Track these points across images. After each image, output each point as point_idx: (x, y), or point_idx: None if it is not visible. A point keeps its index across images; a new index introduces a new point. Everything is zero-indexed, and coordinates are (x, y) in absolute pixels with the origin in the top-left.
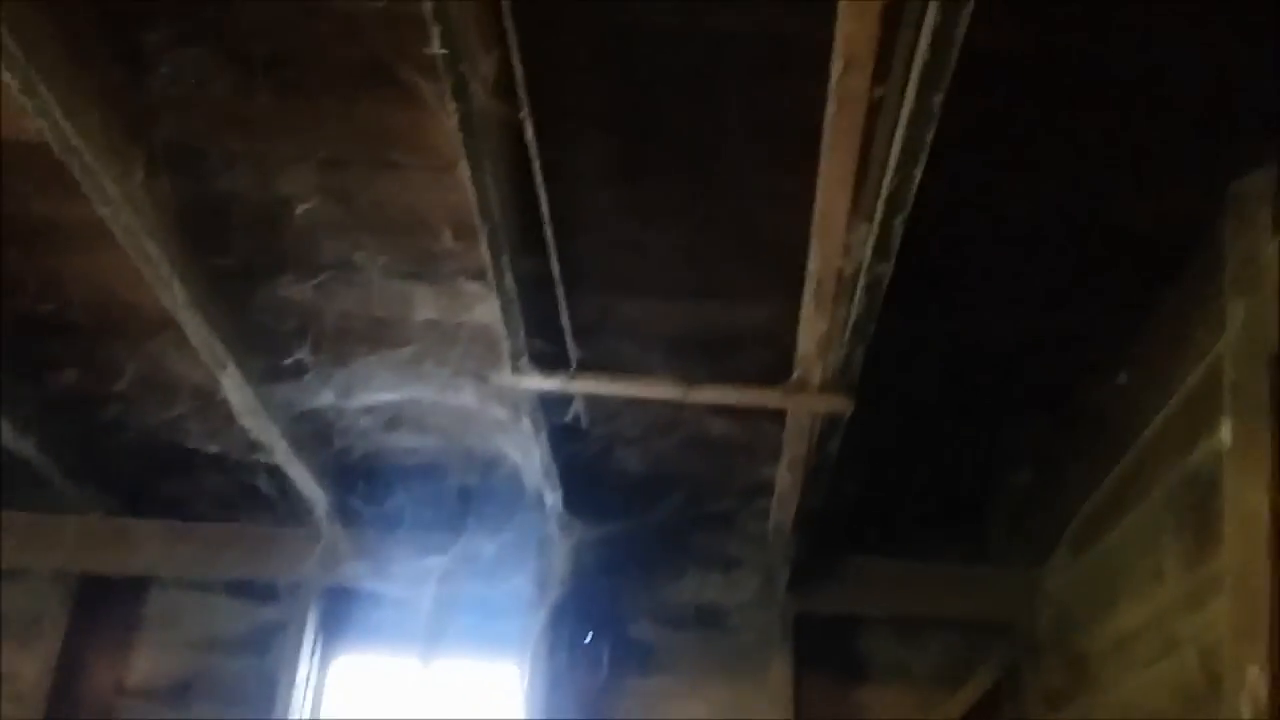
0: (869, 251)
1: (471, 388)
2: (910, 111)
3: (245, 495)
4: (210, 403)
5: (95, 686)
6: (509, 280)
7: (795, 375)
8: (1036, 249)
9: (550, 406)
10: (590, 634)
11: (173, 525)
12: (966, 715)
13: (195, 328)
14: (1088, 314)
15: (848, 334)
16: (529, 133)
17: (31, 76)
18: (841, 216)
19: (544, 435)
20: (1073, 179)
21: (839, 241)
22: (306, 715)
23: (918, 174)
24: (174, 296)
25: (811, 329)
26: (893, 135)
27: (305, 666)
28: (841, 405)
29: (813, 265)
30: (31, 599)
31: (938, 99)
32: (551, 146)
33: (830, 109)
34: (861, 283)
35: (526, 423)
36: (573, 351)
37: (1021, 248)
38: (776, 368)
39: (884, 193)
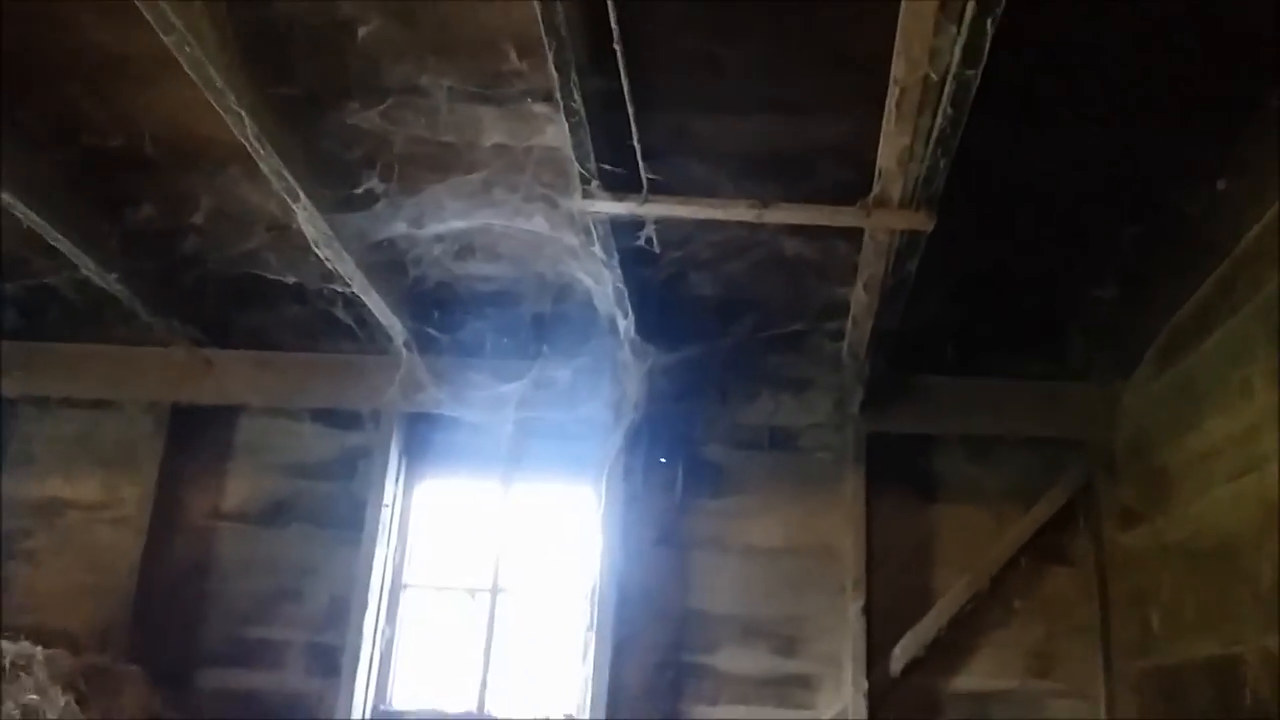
0: (957, 55)
1: (542, 213)
2: None
3: (325, 325)
4: (286, 234)
5: (192, 510)
6: (577, 100)
7: (874, 192)
8: (1137, 47)
9: (621, 231)
10: (664, 456)
11: (257, 355)
12: (1039, 532)
13: (266, 158)
14: (1188, 116)
15: (931, 146)
16: None
17: None
18: (929, 18)
19: (615, 260)
20: None
21: (925, 46)
22: (394, 535)
23: None
24: (244, 126)
25: (893, 142)
26: None
27: (391, 490)
28: (922, 222)
29: (896, 73)
30: (126, 429)
31: None
32: None
33: None
34: (948, 90)
35: (598, 248)
36: (644, 174)
37: (1121, 46)
38: (854, 185)
39: None
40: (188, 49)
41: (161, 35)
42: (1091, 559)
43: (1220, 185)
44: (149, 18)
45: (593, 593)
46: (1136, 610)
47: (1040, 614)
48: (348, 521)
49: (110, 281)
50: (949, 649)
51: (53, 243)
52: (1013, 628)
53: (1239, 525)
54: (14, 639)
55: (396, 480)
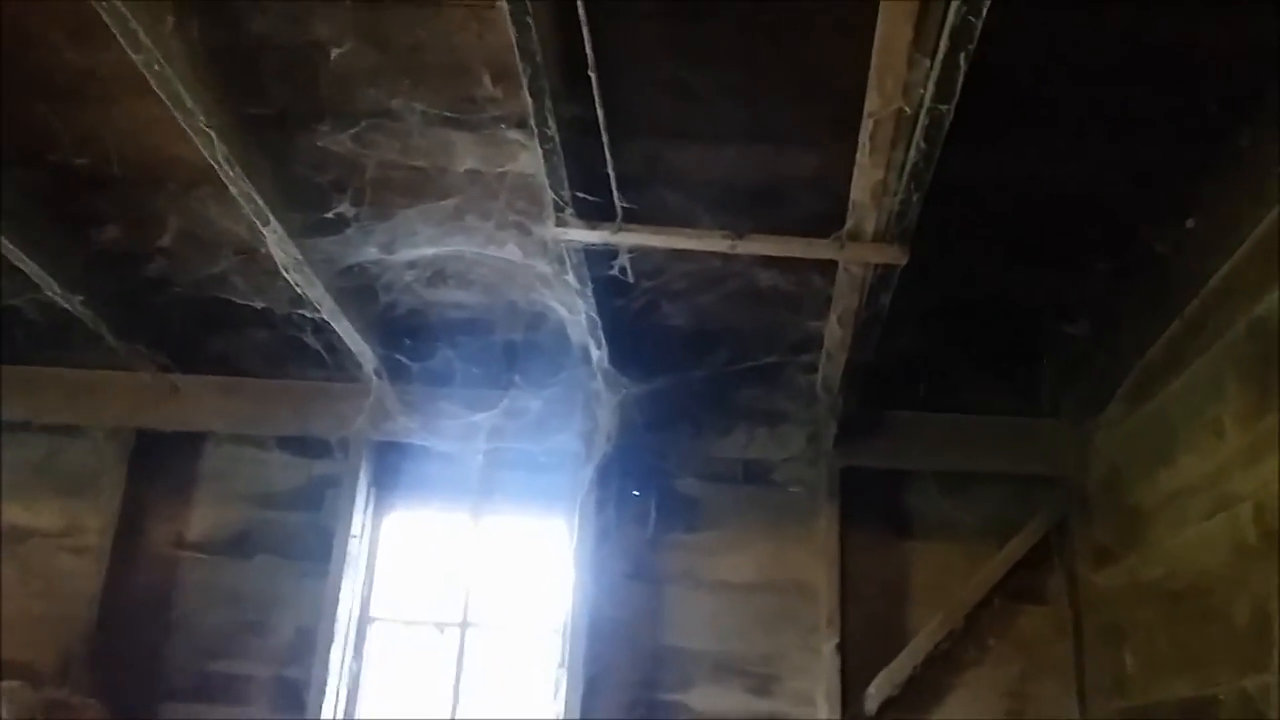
0: (930, 89)
1: (515, 241)
2: None
3: (294, 351)
4: (254, 257)
5: (156, 540)
6: (552, 127)
7: (848, 225)
8: (1106, 83)
9: (595, 260)
10: (637, 489)
11: (224, 381)
12: (1013, 569)
13: (235, 180)
14: (1158, 153)
15: (904, 180)
16: None
17: None
18: (902, 51)
19: (589, 289)
20: (1147, 3)
21: (899, 79)
22: (362, 567)
23: (987, 2)
24: (213, 147)
25: (866, 175)
26: None
27: (359, 520)
28: (895, 255)
29: (870, 106)
30: (90, 455)
31: None
32: None
33: None
34: (921, 124)
35: (571, 276)
36: (618, 202)
37: (1090, 82)
38: (828, 217)
39: (948, 25)
40: (157, 68)
41: (131, 54)
42: (1065, 597)
43: (1190, 224)
44: (119, 36)
45: (564, 628)
46: (1111, 650)
47: (1015, 653)
48: (314, 553)
49: (75, 304)
50: (924, 688)
51: (16, 263)
52: (987, 667)
53: (1213, 565)
54: None
55: (365, 511)
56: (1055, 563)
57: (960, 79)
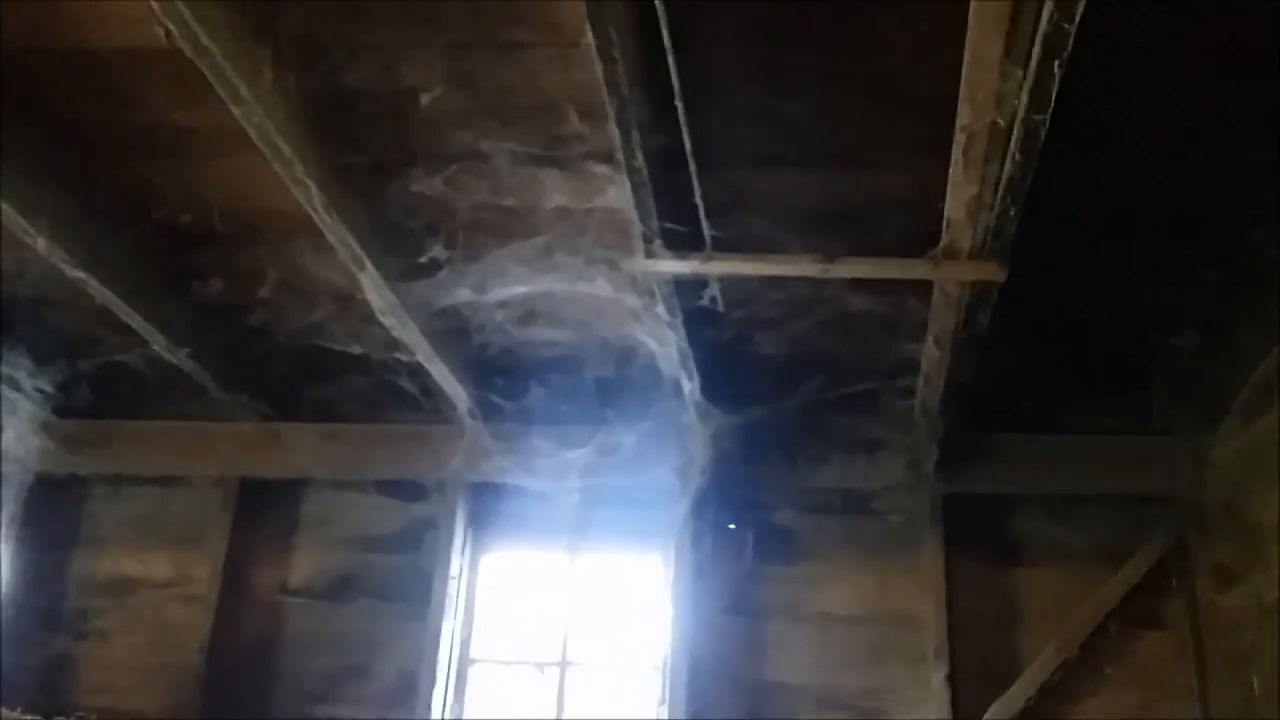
0: (1024, 100)
1: (604, 276)
2: None
3: (390, 395)
4: (350, 304)
5: (261, 586)
6: (639, 158)
7: (943, 243)
8: (1213, 86)
9: (685, 290)
10: (733, 522)
11: (323, 428)
12: (1130, 594)
13: (332, 228)
14: (1266, 156)
15: (1000, 194)
16: None
17: None
18: (994, 62)
19: (679, 321)
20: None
21: (991, 91)
22: (461, 609)
23: (1080, 6)
24: (310, 197)
25: (960, 191)
26: None
27: (457, 561)
28: (993, 273)
29: (962, 120)
30: (195, 505)
31: None
32: (680, 10)
33: None
34: (1015, 136)
35: (661, 309)
36: (707, 231)
37: (1196, 86)
38: (922, 237)
39: (1041, 32)
40: (256, 120)
41: (231, 107)
42: (1186, 621)
43: None
44: (219, 90)
45: (664, 665)
46: (1237, 674)
47: (1134, 681)
48: (414, 595)
49: (181, 357)
50: None
51: (125, 319)
52: (1106, 696)
53: None
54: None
55: (462, 552)
56: (1174, 586)
57: (1055, 87)
